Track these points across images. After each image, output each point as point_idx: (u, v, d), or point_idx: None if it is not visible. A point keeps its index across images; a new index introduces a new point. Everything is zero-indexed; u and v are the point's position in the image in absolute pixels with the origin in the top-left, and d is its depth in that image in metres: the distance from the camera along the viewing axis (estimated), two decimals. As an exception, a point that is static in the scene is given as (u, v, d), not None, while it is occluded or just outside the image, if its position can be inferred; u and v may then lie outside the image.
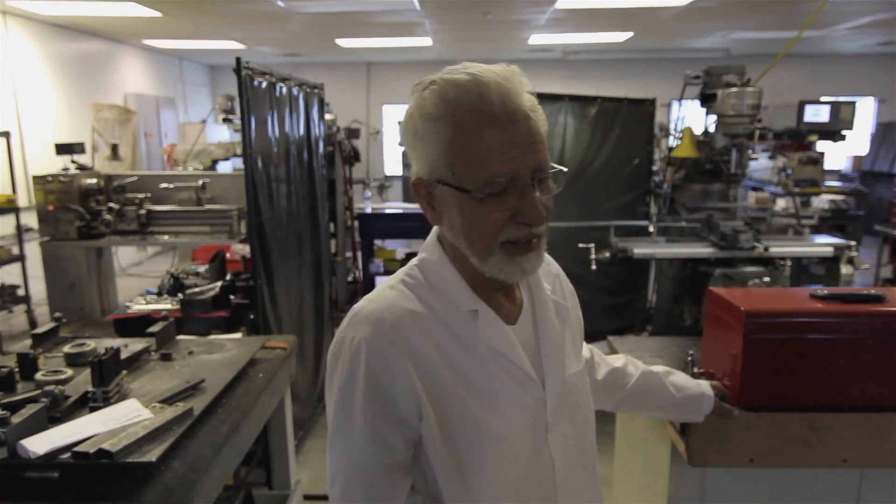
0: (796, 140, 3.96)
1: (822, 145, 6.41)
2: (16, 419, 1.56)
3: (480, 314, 0.97)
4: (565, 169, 0.97)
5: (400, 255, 5.92)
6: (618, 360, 1.32)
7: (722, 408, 1.41)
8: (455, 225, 0.95)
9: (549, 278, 1.11)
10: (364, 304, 0.98)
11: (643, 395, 1.33)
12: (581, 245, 3.55)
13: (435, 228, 1.03)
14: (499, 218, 0.91)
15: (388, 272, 5.87)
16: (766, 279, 3.40)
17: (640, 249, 3.54)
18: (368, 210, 8.04)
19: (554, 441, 1.00)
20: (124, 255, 7.00)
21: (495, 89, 0.90)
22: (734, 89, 3.47)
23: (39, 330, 2.30)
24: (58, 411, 1.71)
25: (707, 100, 3.72)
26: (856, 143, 10.01)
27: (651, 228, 4.03)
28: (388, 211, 6.97)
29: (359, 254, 6.09)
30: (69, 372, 1.95)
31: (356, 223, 6.06)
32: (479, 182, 0.90)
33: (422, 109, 0.93)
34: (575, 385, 1.06)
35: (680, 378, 1.36)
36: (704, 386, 1.40)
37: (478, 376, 0.95)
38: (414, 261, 1.03)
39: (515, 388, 0.98)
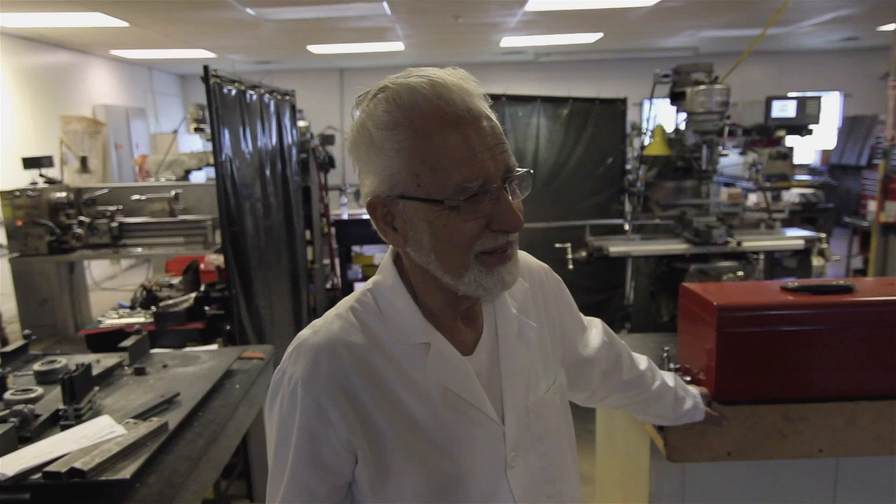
0: (765, 135, 4.03)
1: (790, 140, 6.52)
2: (-17, 441, 1.52)
3: (432, 347, 0.90)
4: (531, 171, 0.90)
5: (378, 260, 5.90)
6: (642, 363, 1.28)
7: (712, 417, 1.42)
8: (424, 243, 0.86)
9: (518, 293, 1.01)
10: (308, 333, 0.92)
11: (647, 405, 1.32)
12: (557, 245, 3.57)
13: (390, 249, 0.96)
14: (473, 227, 0.84)
15: (366, 278, 5.85)
16: (740, 273, 3.45)
17: (615, 248, 3.56)
18: (345, 216, 8.01)
19: (514, 477, 0.94)
20: (97, 268, 6.88)
21: (455, 89, 0.83)
22: (702, 87, 3.51)
23: (8, 348, 2.25)
24: (28, 431, 1.67)
25: (676, 98, 3.76)
26: (823, 137, 10.19)
27: (626, 226, 4.06)
28: (364, 217, 6.92)
29: (336, 260, 6.06)
30: (39, 390, 1.91)
31: (333, 230, 6.03)
32: (449, 190, 0.82)
33: (375, 118, 0.84)
34: (541, 411, 0.99)
35: (682, 391, 1.36)
36: (699, 399, 1.40)
37: (427, 415, 0.89)
38: (368, 284, 0.97)
39: (469, 426, 0.91)
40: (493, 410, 0.93)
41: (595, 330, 1.21)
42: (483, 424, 0.92)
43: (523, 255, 1.08)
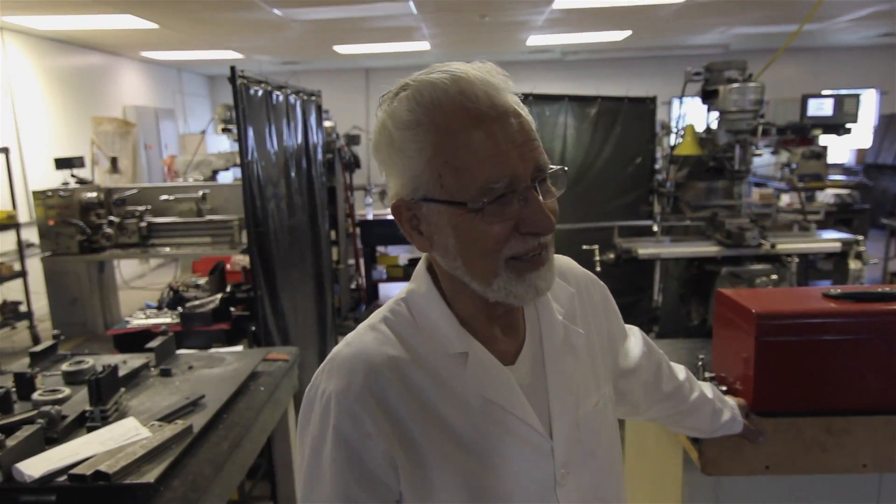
0: (800, 135, 3.91)
1: (824, 139, 6.35)
2: (11, 442, 1.53)
3: (470, 357, 0.85)
4: (566, 168, 0.85)
5: (403, 260, 5.89)
6: (681, 373, 1.22)
7: (750, 431, 1.36)
8: (449, 248, 0.82)
9: (564, 298, 0.96)
10: (341, 347, 0.88)
11: (685, 417, 1.25)
12: (585, 247, 3.51)
13: (424, 256, 0.91)
14: (500, 231, 0.79)
15: (391, 278, 5.84)
16: (774, 276, 3.36)
17: (644, 250, 3.50)
18: (370, 216, 8.02)
19: (565, 496, 0.88)
20: (126, 268, 6.98)
21: (479, 85, 0.78)
22: (736, 85, 3.43)
23: (37, 348, 2.27)
24: (55, 432, 1.68)
25: (708, 96, 3.68)
26: (859, 135, 9.94)
27: (655, 228, 3.98)
28: (389, 217, 6.92)
29: (361, 261, 6.06)
30: (67, 391, 1.92)
31: (358, 230, 6.04)
32: (473, 191, 0.77)
33: (395, 118, 0.80)
34: (592, 424, 0.94)
35: (720, 403, 1.30)
36: (737, 411, 1.34)
37: (469, 429, 0.84)
38: (401, 293, 0.92)
39: (514, 440, 0.86)
40: (540, 423, 0.87)
41: (635, 338, 1.15)
42: (529, 438, 0.87)
43: (567, 261, 1.04)
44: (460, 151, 0.77)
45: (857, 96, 3.85)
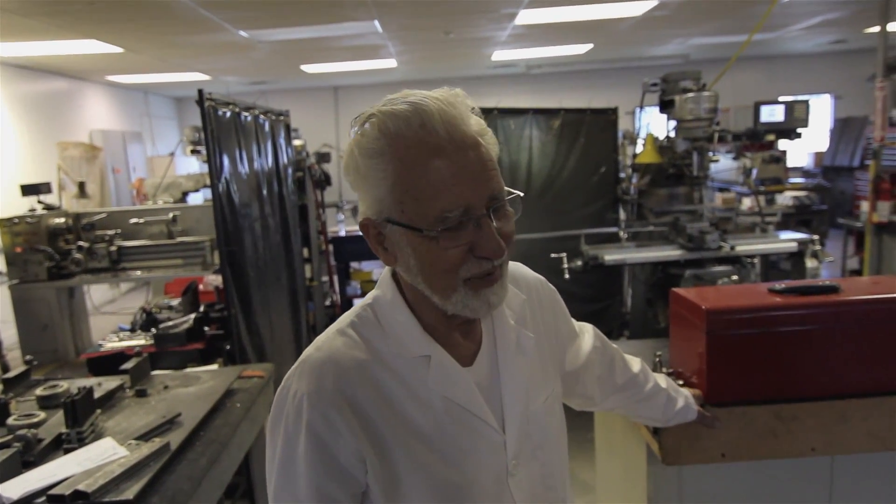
0: (755, 140, 4.06)
1: (783, 143, 6.57)
2: (-13, 466, 1.54)
3: (432, 360, 0.92)
4: (521, 194, 0.91)
5: (377, 276, 5.91)
6: (635, 365, 1.30)
7: (704, 417, 1.44)
8: (411, 266, 0.89)
9: (516, 304, 1.04)
10: (312, 351, 0.94)
11: (640, 406, 1.33)
12: (553, 255, 3.59)
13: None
14: (455, 254, 0.86)
15: (364, 294, 5.85)
16: (735, 277, 3.47)
17: (611, 256, 3.59)
18: (343, 233, 8.05)
19: (516, 486, 0.97)
20: (97, 293, 6.90)
21: (438, 117, 0.84)
22: (691, 94, 3.55)
23: (10, 374, 2.27)
24: (31, 455, 1.69)
25: (666, 106, 3.80)
26: (816, 139, 10.26)
27: (621, 234, 4.08)
28: (362, 233, 6.97)
29: (335, 277, 6.08)
30: (42, 415, 1.93)
31: (331, 247, 6.06)
32: (430, 219, 0.84)
33: (361, 146, 0.87)
34: (541, 419, 1.02)
35: (674, 392, 1.38)
36: (690, 399, 1.42)
37: (430, 426, 0.91)
38: (367, 298, 0.99)
39: (472, 435, 0.93)
40: (494, 420, 0.95)
41: (587, 335, 1.23)
42: (484, 434, 0.94)
43: (519, 268, 1.12)
44: (419, 181, 0.84)
45: (806, 102, 4.02)
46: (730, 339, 1.47)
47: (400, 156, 0.84)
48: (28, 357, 2.43)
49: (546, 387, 1.05)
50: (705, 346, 1.48)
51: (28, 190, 4.89)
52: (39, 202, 4.87)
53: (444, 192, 0.83)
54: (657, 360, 1.69)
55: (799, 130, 3.98)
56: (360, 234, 0.94)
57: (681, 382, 1.58)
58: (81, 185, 6.59)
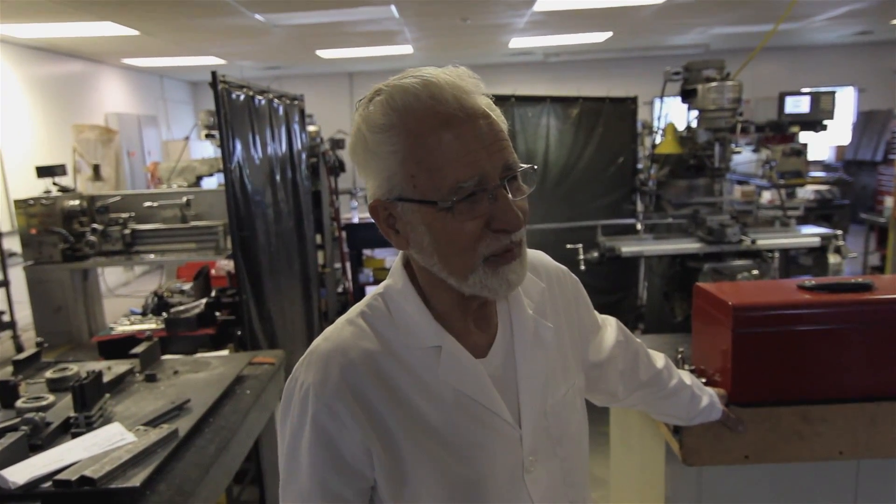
0: (778, 132, 3.97)
1: (804, 136, 6.44)
2: (-6, 450, 1.52)
3: (444, 350, 0.89)
4: (535, 167, 0.88)
5: (389, 263, 5.88)
6: (659, 361, 1.25)
7: (729, 417, 1.39)
8: (425, 246, 0.85)
9: (534, 293, 0.99)
10: (320, 341, 0.92)
11: (663, 403, 1.29)
12: (569, 246, 3.54)
13: (401, 253, 0.95)
14: (472, 228, 0.82)
15: (377, 281, 5.84)
16: (755, 272, 3.40)
17: (627, 248, 3.52)
18: (356, 220, 8.03)
19: (533, 483, 0.93)
20: (111, 275, 6.93)
21: (448, 88, 0.81)
22: (714, 84, 3.47)
23: (21, 356, 2.25)
24: (39, 439, 1.67)
25: (688, 95, 3.71)
26: (838, 132, 10.07)
27: (638, 226, 4.01)
28: (371, 217, 6.94)
29: (347, 264, 6.06)
30: (51, 398, 1.91)
31: (343, 234, 6.03)
32: (444, 191, 0.81)
33: (369, 122, 0.84)
34: (560, 414, 0.97)
35: (698, 390, 1.33)
36: (715, 398, 1.37)
37: (441, 419, 0.88)
38: (378, 288, 0.96)
39: (485, 430, 0.90)
40: (509, 413, 0.91)
41: (610, 329, 1.18)
42: (498, 428, 0.91)
43: (540, 255, 1.07)
44: (431, 153, 0.81)
45: (832, 93, 3.92)
46: (757, 337, 1.42)
47: (410, 128, 0.81)
48: (39, 339, 2.42)
49: (566, 380, 1.01)
50: (731, 344, 1.42)
51: (43, 172, 4.90)
52: (55, 184, 4.88)
53: (457, 162, 0.80)
54: (679, 356, 1.63)
55: (825, 122, 3.88)
56: (373, 221, 0.89)
57: (704, 381, 1.52)
58: (96, 168, 6.61)
